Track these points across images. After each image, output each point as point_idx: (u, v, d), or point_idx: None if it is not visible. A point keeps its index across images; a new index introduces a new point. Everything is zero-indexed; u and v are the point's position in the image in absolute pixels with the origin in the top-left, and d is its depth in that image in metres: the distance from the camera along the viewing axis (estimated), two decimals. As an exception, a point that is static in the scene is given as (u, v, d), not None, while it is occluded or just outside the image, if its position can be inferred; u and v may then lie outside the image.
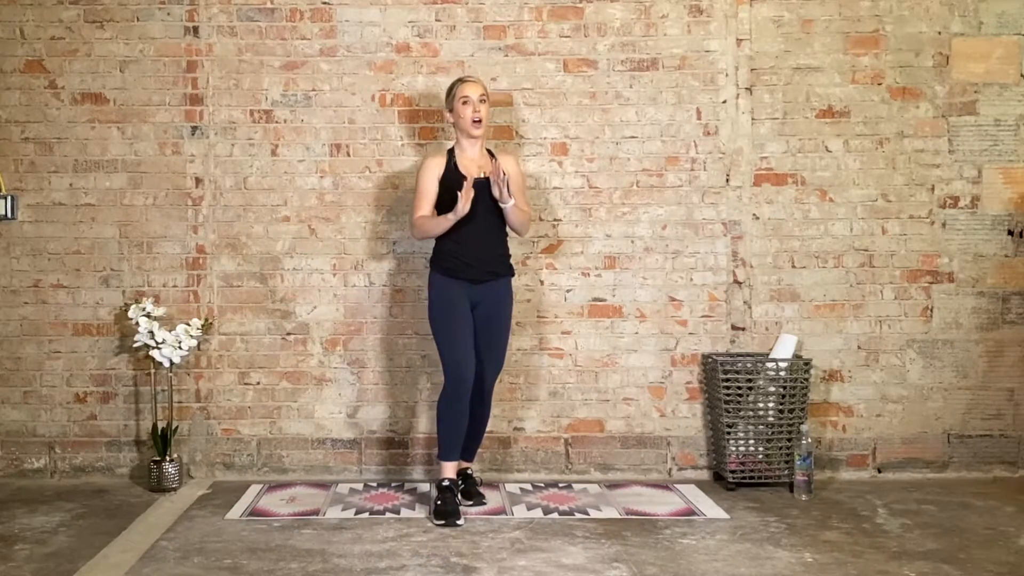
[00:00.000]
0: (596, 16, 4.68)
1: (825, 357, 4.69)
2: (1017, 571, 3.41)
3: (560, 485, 4.55)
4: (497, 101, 4.66)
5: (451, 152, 4.22)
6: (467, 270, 4.09)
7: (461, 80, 4.22)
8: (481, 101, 4.14)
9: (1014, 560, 3.52)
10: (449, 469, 4.11)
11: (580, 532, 3.85)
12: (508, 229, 4.21)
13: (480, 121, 4.14)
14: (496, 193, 4.05)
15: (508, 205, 4.09)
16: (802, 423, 4.37)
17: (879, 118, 4.68)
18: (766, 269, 4.71)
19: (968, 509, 4.15)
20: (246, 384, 4.70)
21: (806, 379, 4.46)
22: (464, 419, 4.10)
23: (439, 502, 3.98)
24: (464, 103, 4.14)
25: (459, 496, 4.14)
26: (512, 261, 4.24)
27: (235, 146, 4.69)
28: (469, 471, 4.36)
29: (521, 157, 4.67)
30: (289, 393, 4.71)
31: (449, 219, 4.02)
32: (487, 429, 4.37)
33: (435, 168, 4.16)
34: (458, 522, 3.90)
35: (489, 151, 4.26)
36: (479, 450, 4.43)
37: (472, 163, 4.17)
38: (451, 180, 4.10)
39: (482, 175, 4.11)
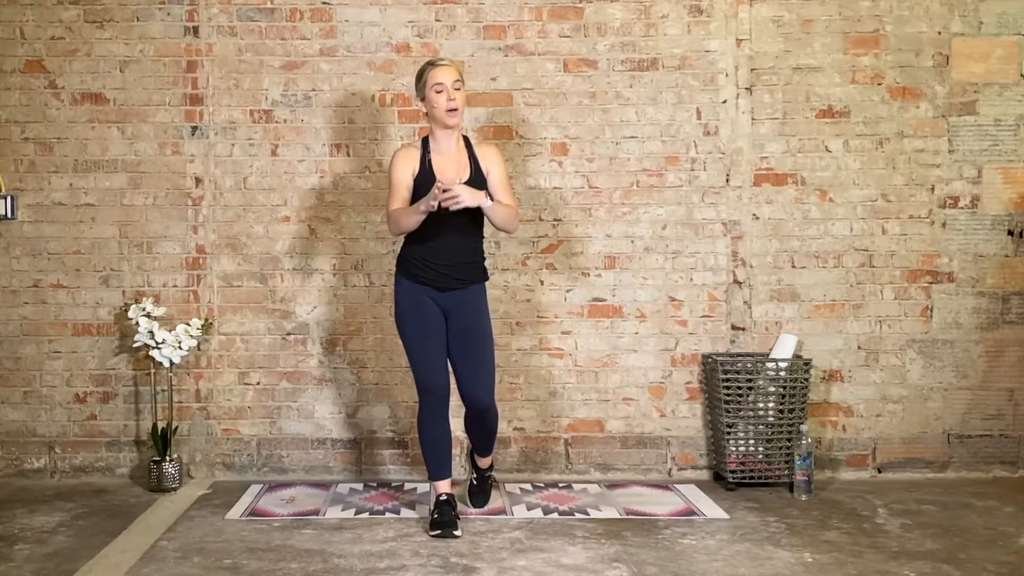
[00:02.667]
0: (596, 16, 4.68)
1: (825, 357, 4.69)
2: (1017, 571, 3.41)
3: (560, 485, 4.55)
4: (497, 101, 4.66)
5: (425, 144, 3.89)
6: (434, 276, 3.82)
7: (432, 64, 3.84)
8: (456, 88, 3.79)
9: (1014, 560, 3.52)
10: (443, 486, 3.90)
11: (580, 532, 3.85)
12: (485, 232, 3.97)
13: (456, 110, 3.78)
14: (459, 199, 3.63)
15: (486, 205, 3.73)
16: (802, 423, 4.37)
17: (879, 118, 4.68)
18: (766, 269, 4.71)
19: (968, 509, 4.15)
20: (246, 384, 4.70)
21: (806, 379, 4.46)
22: (445, 436, 3.89)
23: (436, 515, 3.82)
24: (438, 91, 3.77)
25: (468, 491, 4.13)
26: (513, 262, 4.20)
27: (235, 146, 4.69)
28: (488, 472, 4.20)
29: (521, 157, 4.67)
30: (289, 393, 4.71)
31: (420, 209, 3.68)
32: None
33: (407, 161, 3.84)
34: (455, 533, 3.76)
35: (466, 139, 3.96)
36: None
37: (448, 159, 3.84)
38: (425, 183, 3.77)
39: (458, 180, 3.77)
